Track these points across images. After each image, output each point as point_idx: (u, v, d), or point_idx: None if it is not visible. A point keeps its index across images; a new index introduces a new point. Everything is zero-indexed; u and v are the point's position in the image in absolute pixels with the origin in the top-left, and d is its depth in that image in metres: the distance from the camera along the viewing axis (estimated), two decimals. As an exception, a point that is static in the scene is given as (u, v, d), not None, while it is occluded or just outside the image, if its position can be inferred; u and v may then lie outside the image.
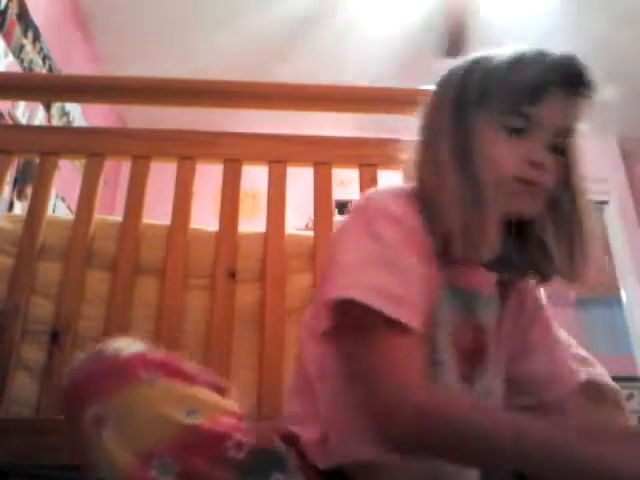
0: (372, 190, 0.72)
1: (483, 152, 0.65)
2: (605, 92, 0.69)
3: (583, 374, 0.76)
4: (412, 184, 0.71)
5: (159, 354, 0.58)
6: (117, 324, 1.09)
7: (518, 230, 0.69)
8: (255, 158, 1.29)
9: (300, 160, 1.29)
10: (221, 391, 0.60)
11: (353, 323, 0.62)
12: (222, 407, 0.55)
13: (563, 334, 1.14)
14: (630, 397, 3.11)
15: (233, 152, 1.28)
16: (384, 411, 0.56)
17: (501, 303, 0.75)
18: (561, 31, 3.15)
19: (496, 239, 0.63)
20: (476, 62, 0.70)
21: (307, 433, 0.65)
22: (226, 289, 1.13)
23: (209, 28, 3.17)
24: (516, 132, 0.66)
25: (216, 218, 1.20)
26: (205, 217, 1.48)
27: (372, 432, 0.57)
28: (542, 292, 0.82)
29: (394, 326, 0.58)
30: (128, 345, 0.55)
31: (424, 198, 0.68)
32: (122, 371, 0.52)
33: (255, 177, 1.41)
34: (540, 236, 0.69)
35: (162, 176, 1.47)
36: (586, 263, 0.68)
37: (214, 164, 1.28)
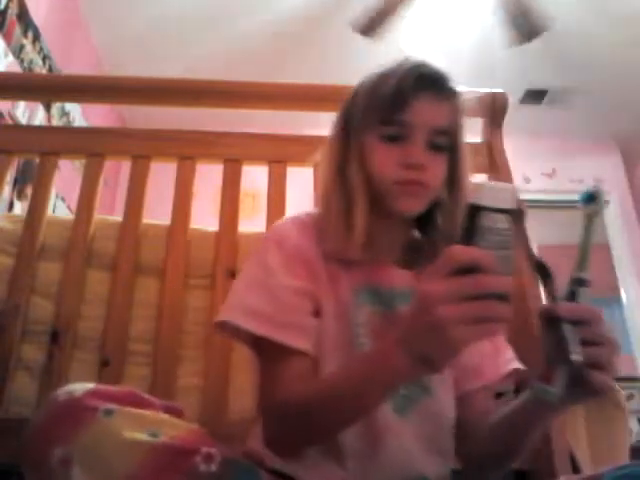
0: (280, 219, 0.82)
1: (364, 164, 0.74)
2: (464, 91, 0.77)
3: (512, 365, 0.79)
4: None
5: (112, 388, 0.60)
6: (117, 324, 1.09)
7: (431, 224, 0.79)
8: (255, 158, 1.29)
9: (300, 160, 1.28)
10: (176, 414, 0.61)
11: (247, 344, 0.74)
12: (183, 425, 0.56)
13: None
14: (630, 397, 3.10)
15: (233, 152, 1.28)
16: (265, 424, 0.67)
17: None
18: (561, 31, 3.15)
19: (362, 240, 0.72)
20: (358, 85, 0.79)
21: (257, 439, 0.70)
22: (226, 289, 1.12)
23: (209, 28, 3.17)
24: (393, 139, 0.72)
25: (216, 218, 1.20)
26: (205, 217, 1.48)
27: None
28: None
29: (263, 342, 0.67)
30: (80, 387, 0.56)
31: (320, 214, 0.78)
32: (79, 409, 0.53)
33: (255, 177, 1.41)
34: (444, 228, 0.77)
35: (162, 176, 1.47)
36: None
37: (214, 164, 1.28)
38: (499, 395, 1.09)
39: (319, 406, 0.60)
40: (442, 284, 0.48)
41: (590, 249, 0.55)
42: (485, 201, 0.49)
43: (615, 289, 3.84)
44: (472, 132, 1.38)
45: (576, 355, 0.51)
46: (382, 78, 0.74)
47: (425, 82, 0.72)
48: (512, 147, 1.40)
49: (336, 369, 0.67)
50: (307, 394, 0.63)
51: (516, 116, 2.81)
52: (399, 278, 0.77)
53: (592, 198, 0.55)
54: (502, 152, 1.29)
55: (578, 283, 0.55)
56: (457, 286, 0.47)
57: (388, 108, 0.71)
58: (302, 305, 0.70)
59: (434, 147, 0.73)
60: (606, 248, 3.92)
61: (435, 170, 0.73)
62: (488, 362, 0.79)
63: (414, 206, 0.73)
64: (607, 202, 0.63)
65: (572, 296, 0.55)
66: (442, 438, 0.72)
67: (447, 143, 0.75)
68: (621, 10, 3.00)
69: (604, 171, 4.02)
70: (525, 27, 2.62)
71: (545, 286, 0.57)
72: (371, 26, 2.69)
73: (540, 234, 4.45)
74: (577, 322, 0.53)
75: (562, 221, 4.55)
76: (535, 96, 3.70)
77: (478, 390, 0.78)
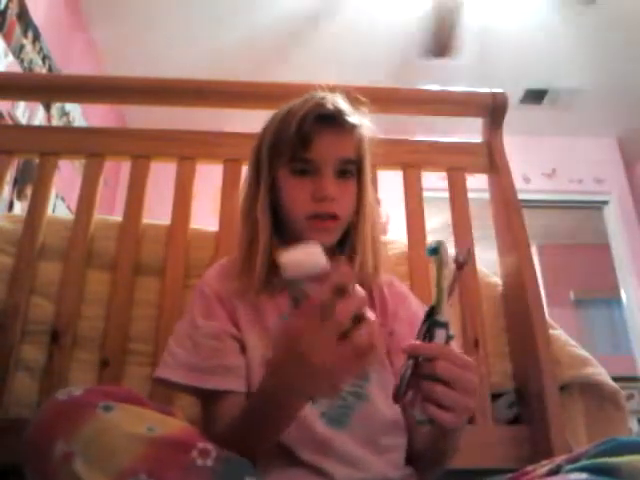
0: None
1: (274, 201, 0.79)
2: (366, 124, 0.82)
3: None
4: None
5: (109, 387, 0.63)
6: (117, 324, 1.09)
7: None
8: (255, 158, 1.29)
9: (300, 160, 1.28)
10: (170, 414, 0.62)
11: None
12: (178, 423, 0.57)
13: (562, 334, 1.14)
14: (630, 397, 3.11)
15: (233, 152, 1.28)
16: None
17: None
18: (561, 31, 3.16)
19: (262, 277, 0.77)
20: (266, 124, 0.85)
21: None
22: (226, 289, 1.12)
23: (209, 27, 3.17)
24: (303, 173, 0.78)
25: (216, 218, 1.20)
26: (205, 217, 1.48)
27: None
28: (407, 293, 0.92)
29: (198, 389, 0.73)
30: (77, 387, 0.57)
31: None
32: (79, 406, 0.54)
33: (255, 177, 1.41)
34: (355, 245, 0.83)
35: (162, 176, 1.47)
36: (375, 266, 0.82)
37: (214, 164, 1.28)
38: (499, 396, 1.09)
39: (236, 437, 0.64)
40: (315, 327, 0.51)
41: (444, 294, 0.61)
42: (289, 274, 0.55)
43: (615, 289, 3.84)
44: (472, 132, 1.39)
45: (402, 392, 0.59)
46: (286, 119, 0.79)
47: (324, 121, 0.77)
48: (512, 147, 1.41)
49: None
50: (229, 427, 0.67)
51: (516, 116, 2.80)
52: None
53: (435, 251, 0.61)
54: (502, 152, 1.29)
55: (434, 325, 0.60)
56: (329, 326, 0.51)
57: (294, 148, 0.77)
58: (225, 347, 0.75)
59: (343, 174, 0.79)
60: (606, 248, 3.92)
61: (345, 198, 0.79)
62: None
63: (327, 240, 0.78)
64: (462, 252, 0.66)
65: (430, 337, 0.60)
66: (383, 438, 0.75)
67: (354, 169, 0.81)
68: (623, 10, 3.00)
69: (604, 171, 4.02)
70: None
71: (419, 330, 0.63)
72: (442, 46, 2.68)
73: (540, 234, 4.45)
74: (430, 360, 0.58)
75: (562, 221, 4.56)
76: (535, 96, 3.70)
77: None
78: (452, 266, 0.63)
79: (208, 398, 0.74)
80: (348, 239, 0.84)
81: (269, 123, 0.84)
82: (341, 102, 0.80)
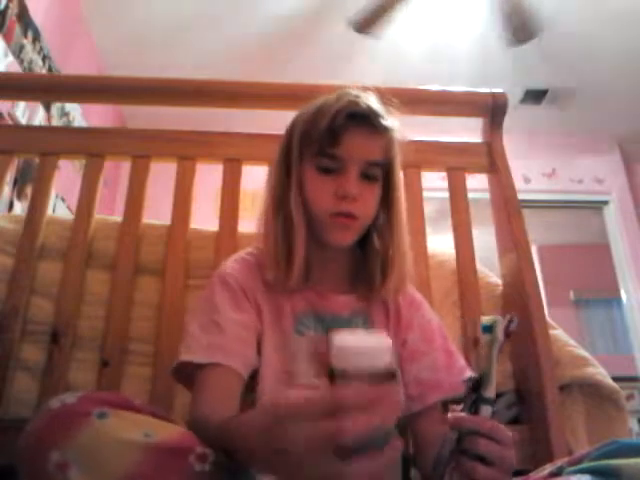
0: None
1: (302, 193, 0.78)
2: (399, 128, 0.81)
3: (465, 372, 0.83)
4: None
5: (103, 393, 0.62)
6: (117, 324, 1.09)
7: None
8: (255, 158, 1.29)
9: (300, 160, 1.28)
10: (164, 419, 0.60)
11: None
12: (175, 428, 0.56)
13: (562, 334, 1.14)
14: (630, 397, 3.11)
15: (233, 152, 1.28)
16: None
17: (378, 317, 0.84)
18: (561, 31, 3.15)
19: (302, 268, 0.76)
20: (297, 116, 0.84)
21: None
22: (226, 289, 1.12)
23: (209, 28, 3.17)
24: (328, 171, 0.77)
25: (216, 218, 1.20)
26: (205, 217, 1.48)
27: None
28: (422, 301, 0.90)
29: (202, 367, 0.71)
30: (71, 394, 0.56)
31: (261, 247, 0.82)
32: (73, 414, 0.52)
33: (255, 177, 1.41)
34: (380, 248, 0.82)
35: (162, 176, 1.47)
36: (391, 273, 0.81)
37: (214, 164, 1.28)
38: (499, 396, 1.09)
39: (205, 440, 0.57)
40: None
41: (493, 371, 0.60)
42: (341, 365, 0.42)
43: (615, 289, 3.84)
44: (472, 132, 1.39)
45: (439, 465, 0.59)
46: (318, 112, 0.78)
47: (357, 119, 0.76)
48: (512, 147, 1.40)
49: (229, 417, 0.63)
50: (205, 425, 0.62)
51: (516, 116, 2.81)
52: (341, 305, 0.81)
53: (489, 329, 0.61)
54: (502, 152, 1.29)
55: (480, 400, 0.60)
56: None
57: (323, 142, 0.76)
58: (250, 339, 0.75)
59: (367, 177, 0.78)
60: (606, 248, 3.92)
61: (367, 200, 0.78)
62: (444, 374, 0.83)
63: (345, 238, 0.78)
64: (513, 321, 0.65)
65: (475, 411, 0.60)
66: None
67: (380, 173, 0.79)
68: (621, 9, 3.00)
69: (604, 171, 4.02)
70: (519, 29, 2.63)
71: (464, 400, 0.62)
72: (367, 23, 2.69)
73: (540, 234, 4.45)
74: (474, 433, 0.57)
75: (562, 221, 4.55)
76: (535, 96, 3.70)
77: (436, 403, 0.82)
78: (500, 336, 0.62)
79: (209, 376, 0.71)
80: (368, 242, 0.83)
81: (302, 113, 0.83)
82: (374, 103, 0.79)
